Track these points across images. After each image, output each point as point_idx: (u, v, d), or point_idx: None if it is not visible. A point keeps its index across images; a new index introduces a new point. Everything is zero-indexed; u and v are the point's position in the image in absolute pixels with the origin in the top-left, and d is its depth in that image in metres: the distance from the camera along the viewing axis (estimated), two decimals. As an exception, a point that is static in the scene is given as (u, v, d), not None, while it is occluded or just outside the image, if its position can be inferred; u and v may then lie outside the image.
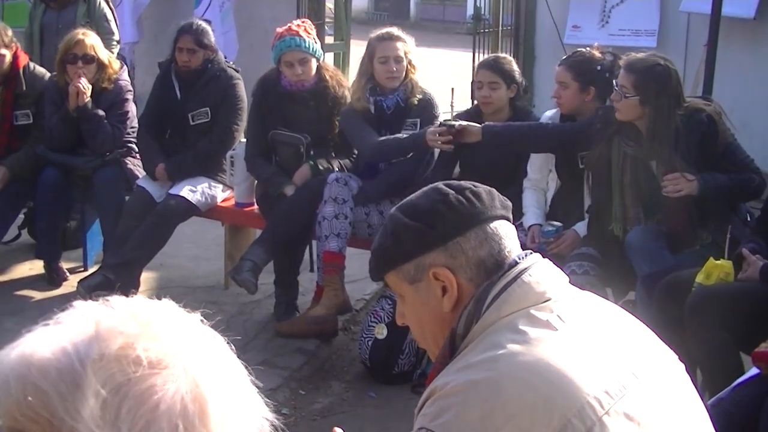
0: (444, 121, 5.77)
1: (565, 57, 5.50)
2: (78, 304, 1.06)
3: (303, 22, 6.32)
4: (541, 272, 1.97)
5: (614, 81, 5.01)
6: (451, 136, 5.53)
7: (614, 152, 5.08)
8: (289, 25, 6.24)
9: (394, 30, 5.94)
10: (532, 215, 5.51)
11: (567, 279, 2.04)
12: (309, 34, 6.10)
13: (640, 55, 5.15)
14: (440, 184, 2.09)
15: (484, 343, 1.88)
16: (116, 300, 1.08)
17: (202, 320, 1.22)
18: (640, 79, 4.90)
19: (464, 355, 1.91)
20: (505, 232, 2.03)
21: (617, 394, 1.78)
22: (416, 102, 5.88)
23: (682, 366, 2.01)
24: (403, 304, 2.10)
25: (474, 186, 2.06)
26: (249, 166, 6.26)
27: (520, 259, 1.99)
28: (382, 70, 5.85)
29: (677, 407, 1.90)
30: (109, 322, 1.01)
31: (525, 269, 1.95)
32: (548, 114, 5.72)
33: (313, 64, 6.11)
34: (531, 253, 2.03)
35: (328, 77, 6.17)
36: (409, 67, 5.88)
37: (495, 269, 1.97)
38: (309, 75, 6.07)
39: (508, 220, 2.07)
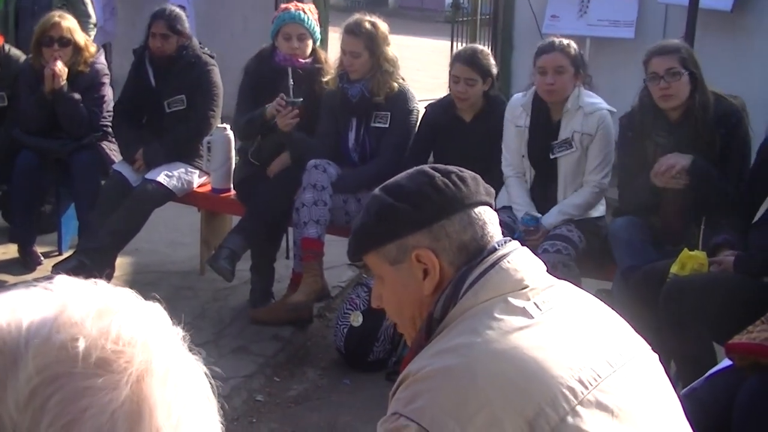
0: (285, 97, 5.86)
1: (545, 44, 5.45)
2: (70, 281, 1.04)
3: (307, 4, 6.36)
4: (519, 259, 1.98)
5: (653, 72, 4.98)
6: (296, 111, 5.79)
7: (647, 143, 5.10)
8: (295, 2, 6.26)
9: (364, 21, 5.85)
10: (525, 208, 5.46)
11: (544, 267, 2.05)
12: (312, 14, 6.17)
13: (660, 42, 5.20)
14: (426, 167, 2.09)
15: (459, 328, 1.88)
16: (99, 290, 1.04)
17: (178, 331, 1.11)
18: (681, 57, 4.95)
19: (439, 339, 1.91)
20: (489, 218, 2.04)
21: (591, 384, 1.79)
22: (387, 96, 5.85)
23: (656, 356, 2.02)
24: (382, 286, 2.10)
25: (459, 171, 2.07)
26: (236, 131, 6.30)
27: (499, 245, 1.99)
28: (343, 60, 5.88)
29: (651, 397, 1.91)
30: (72, 311, 0.96)
31: (503, 256, 1.96)
32: (518, 96, 5.68)
33: (310, 43, 6.12)
34: (510, 240, 2.04)
35: (323, 59, 6.18)
36: (377, 60, 5.82)
37: (476, 254, 1.98)
38: (304, 52, 6.07)
39: (491, 206, 2.07)
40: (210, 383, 1.13)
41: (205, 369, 1.13)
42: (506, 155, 5.59)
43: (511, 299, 1.90)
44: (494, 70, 5.76)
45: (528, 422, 1.73)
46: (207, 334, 5.72)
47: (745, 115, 5.09)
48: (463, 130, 5.73)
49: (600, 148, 5.36)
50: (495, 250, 1.98)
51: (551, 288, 1.98)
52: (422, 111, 5.97)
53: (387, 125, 5.87)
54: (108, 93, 6.72)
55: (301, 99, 5.89)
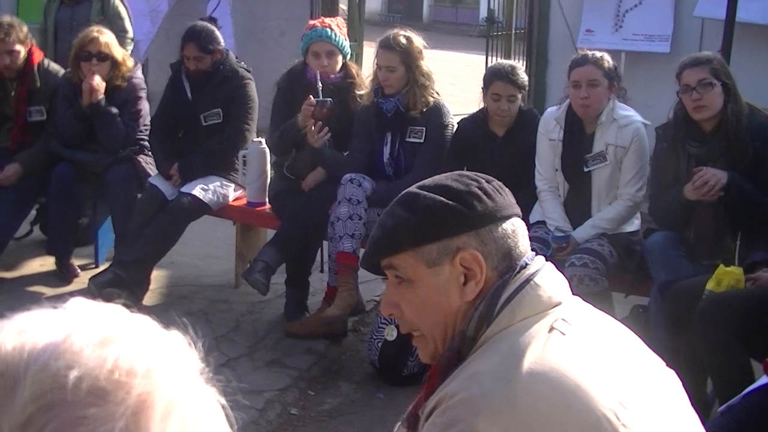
0: (317, 99, 5.88)
1: (578, 57, 5.44)
2: (85, 305, 1.03)
3: (336, 18, 6.37)
4: (549, 276, 1.94)
5: (685, 84, 4.98)
6: (322, 113, 5.80)
7: (680, 154, 5.08)
8: (322, 18, 6.27)
9: (400, 35, 5.85)
10: (559, 223, 5.44)
11: (567, 284, 2.01)
12: (341, 30, 6.17)
13: (692, 55, 5.20)
14: (465, 172, 2.04)
15: (495, 349, 1.83)
16: (112, 315, 1.01)
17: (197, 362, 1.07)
18: (713, 68, 4.94)
19: (474, 360, 1.85)
20: (523, 230, 1.99)
21: (629, 404, 1.75)
22: (422, 110, 5.86)
23: (673, 372, 2.00)
24: (410, 290, 1.97)
25: (496, 180, 2.03)
26: (271, 148, 6.32)
27: (529, 260, 1.95)
28: (379, 76, 5.88)
29: (675, 415, 1.88)
30: (75, 338, 0.94)
31: (535, 272, 1.92)
32: (552, 110, 5.67)
33: (339, 59, 6.13)
34: (536, 254, 2.00)
35: (354, 74, 6.19)
36: (413, 75, 5.83)
37: (512, 266, 1.93)
38: (333, 68, 6.09)
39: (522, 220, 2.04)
40: (228, 415, 1.06)
41: (222, 401, 1.06)
42: (539, 169, 5.58)
43: (545, 318, 1.86)
44: (527, 85, 5.77)
45: None
46: (241, 348, 5.73)
47: None
48: (496, 144, 5.73)
49: (634, 160, 5.34)
50: (526, 265, 1.93)
51: (575, 306, 1.95)
52: (455, 126, 5.97)
53: (422, 140, 5.87)
54: (144, 107, 6.77)
55: (330, 99, 5.91)
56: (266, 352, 5.70)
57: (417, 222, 1.94)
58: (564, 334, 1.83)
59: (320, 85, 5.94)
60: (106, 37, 6.52)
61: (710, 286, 4.51)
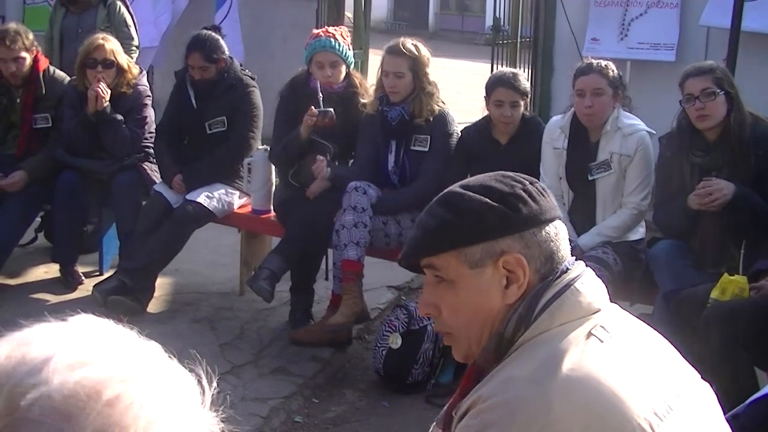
0: (318, 109, 5.90)
1: (583, 66, 5.45)
2: (90, 322, 1.01)
3: (340, 27, 6.36)
4: (589, 282, 1.91)
5: (688, 94, 4.99)
6: (324, 122, 5.84)
7: (684, 163, 5.08)
8: (326, 27, 6.27)
9: (408, 42, 5.86)
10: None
11: (606, 291, 1.98)
12: (344, 39, 6.15)
13: (695, 64, 5.21)
14: (508, 173, 2.03)
15: (532, 353, 1.81)
16: (105, 337, 0.99)
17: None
18: (716, 77, 4.95)
19: (510, 364, 1.83)
20: (564, 234, 1.97)
21: (664, 415, 1.74)
22: (427, 119, 5.86)
23: (708, 385, 1.97)
24: (450, 291, 1.94)
25: (539, 182, 2.00)
26: (273, 160, 6.31)
27: (570, 265, 1.93)
28: (384, 82, 5.87)
29: (709, 428, 1.86)
30: (56, 358, 0.93)
31: (576, 278, 1.89)
32: (557, 118, 5.68)
33: (343, 69, 6.13)
34: (576, 259, 1.98)
35: (357, 83, 6.19)
36: (420, 83, 5.83)
37: (553, 269, 1.91)
38: (337, 78, 6.09)
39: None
40: None
41: (216, 426, 1.03)
42: (544, 178, 5.57)
43: (584, 324, 1.84)
44: (529, 92, 5.78)
45: None
46: (246, 355, 5.73)
47: None
48: (500, 152, 5.73)
49: (639, 169, 5.34)
50: (567, 270, 1.91)
51: (613, 313, 1.93)
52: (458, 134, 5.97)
53: (427, 149, 5.87)
54: (150, 114, 6.78)
55: (332, 109, 5.91)
56: (271, 360, 5.69)
57: (461, 224, 1.91)
58: (602, 341, 1.81)
59: (321, 95, 5.94)
60: (111, 44, 6.54)
61: (715, 294, 4.50)
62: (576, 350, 1.78)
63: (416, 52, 5.81)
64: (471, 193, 1.93)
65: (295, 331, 5.95)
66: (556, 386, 1.72)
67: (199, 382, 1.06)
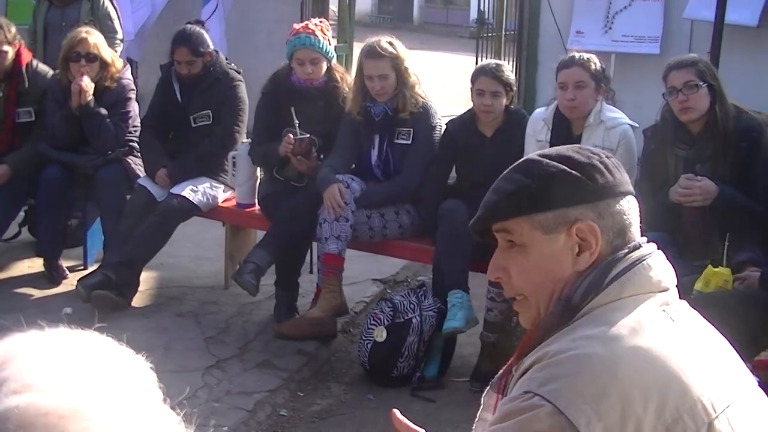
0: (293, 134, 5.91)
1: (565, 59, 5.47)
2: (62, 335, 0.96)
3: (321, 22, 6.35)
4: (660, 262, 1.93)
5: (671, 86, 5.01)
6: (302, 149, 5.87)
7: (668, 155, 5.09)
8: (306, 23, 6.26)
9: (383, 42, 5.83)
10: None
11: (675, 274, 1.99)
12: (325, 35, 6.13)
13: (678, 57, 5.23)
14: (585, 146, 2.03)
15: (604, 318, 1.82)
16: (56, 347, 0.94)
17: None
18: (699, 70, 4.97)
19: (580, 325, 1.83)
20: (636, 210, 1.97)
21: (725, 402, 1.75)
22: (410, 112, 5.85)
23: (762, 392, 1.96)
24: (522, 254, 1.96)
25: (614, 157, 2.01)
26: (252, 157, 6.29)
27: (643, 243, 1.95)
28: (369, 85, 5.86)
29: (764, 423, 1.86)
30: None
31: (648, 254, 1.91)
32: (540, 111, 5.69)
33: (324, 65, 6.11)
34: (647, 239, 1.98)
35: (338, 78, 6.18)
36: (402, 78, 5.82)
37: (625, 243, 1.92)
38: (318, 75, 6.08)
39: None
40: None
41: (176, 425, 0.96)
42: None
43: (653, 299, 1.86)
44: (514, 84, 5.78)
45: (666, 427, 1.69)
46: (231, 349, 5.73)
47: None
48: (485, 145, 5.73)
49: (622, 162, 5.34)
50: (639, 246, 1.92)
51: (678, 298, 1.95)
52: (444, 126, 5.97)
53: (410, 141, 5.88)
54: (134, 108, 6.76)
55: (309, 135, 5.92)
56: (256, 354, 5.69)
57: (538, 188, 1.93)
58: (673, 320, 1.84)
59: (297, 122, 5.93)
60: (94, 37, 6.52)
61: (698, 286, 4.52)
62: (647, 321, 1.80)
63: (394, 51, 5.81)
64: (548, 160, 1.95)
65: (280, 325, 5.94)
66: (625, 350, 1.74)
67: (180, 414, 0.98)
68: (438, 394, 5.45)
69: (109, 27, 7.81)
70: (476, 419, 2.10)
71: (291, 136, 5.90)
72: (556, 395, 1.70)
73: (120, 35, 8.07)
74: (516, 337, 5.37)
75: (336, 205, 5.66)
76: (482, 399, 2.09)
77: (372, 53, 5.80)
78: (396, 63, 5.79)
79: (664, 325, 1.82)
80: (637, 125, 5.44)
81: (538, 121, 5.57)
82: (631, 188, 1.97)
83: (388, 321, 5.52)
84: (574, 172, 1.91)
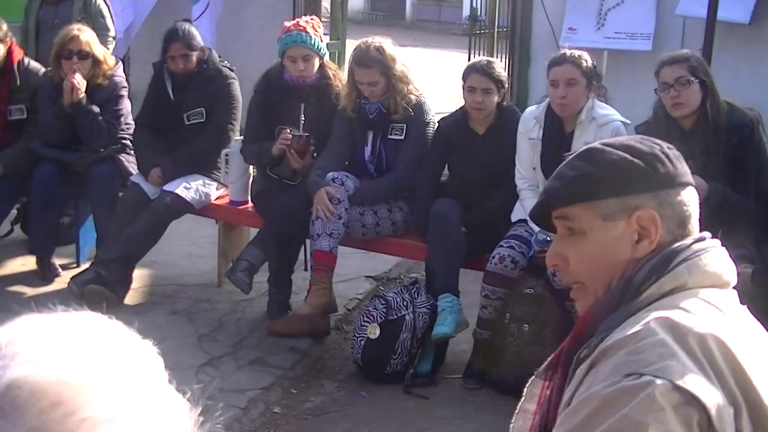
0: (292, 131, 5.93)
1: (557, 56, 5.47)
2: (63, 318, 0.98)
3: (312, 19, 6.35)
4: (723, 256, 1.93)
5: (663, 82, 5.04)
6: (299, 145, 5.88)
7: None
8: (297, 20, 6.26)
9: (371, 50, 5.81)
10: None
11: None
12: (316, 32, 6.13)
13: (670, 53, 5.25)
14: (647, 137, 2.03)
15: (676, 304, 1.80)
16: (61, 329, 0.96)
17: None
18: (691, 66, 4.99)
19: (653, 308, 1.80)
20: (696, 202, 1.97)
21: None
22: (404, 107, 5.85)
23: None
24: (581, 241, 1.97)
25: (675, 148, 2.01)
26: (245, 156, 6.28)
27: (706, 236, 1.95)
28: (360, 88, 5.88)
29: None
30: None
31: (712, 247, 1.91)
32: (532, 109, 5.69)
33: (316, 61, 6.11)
34: (708, 233, 1.98)
35: (331, 75, 6.18)
36: (392, 81, 5.82)
37: (686, 233, 1.92)
38: (310, 72, 6.08)
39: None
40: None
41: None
42: (519, 168, 5.60)
43: (717, 293, 1.86)
44: (506, 82, 5.78)
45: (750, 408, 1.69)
46: (225, 347, 5.73)
47: (761, 126, 5.10)
48: (477, 142, 5.73)
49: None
50: (703, 238, 1.93)
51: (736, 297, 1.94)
52: (436, 124, 5.97)
53: (403, 137, 5.88)
54: (126, 106, 6.75)
55: (307, 134, 5.93)
56: (249, 351, 5.69)
57: (600, 175, 1.94)
58: (733, 315, 1.83)
59: (303, 118, 5.94)
60: (86, 35, 6.50)
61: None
62: (716, 313, 1.79)
63: (382, 57, 5.79)
64: (612, 149, 1.96)
65: (273, 323, 5.94)
66: (710, 325, 1.73)
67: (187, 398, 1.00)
68: (431, 390, 5.45)
69: (101, 24, 7.80)
70: (517, 411, 2.06)
71: (288, 131, 5.90)
72: (669, 372, 1.66)
73: (112, 33, 8.06)
74: (509, 334, 5.38)
75: (325, 209, 5.67)
76: (525, 389, 2.05)
77: (360, 62, 5.81)
78: (384, 69, 5.79)
79: (730, 320, 1.80)
80: (629, 122, 5.44)
81: (530, 119, 5.57)
82: (691, 179, 1.97)
83: (381, 318, 5.53)
84: (636, 160, 1.91)
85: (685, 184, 1.94)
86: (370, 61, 5.77)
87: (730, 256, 1.96)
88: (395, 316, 5.54)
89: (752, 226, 4.92)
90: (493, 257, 5.35)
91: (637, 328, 1.75)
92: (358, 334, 5.58)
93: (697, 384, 1.65)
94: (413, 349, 5.55)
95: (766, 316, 4.08)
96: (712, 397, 1.65)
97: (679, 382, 1.64)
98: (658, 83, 5.07)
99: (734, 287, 1.93)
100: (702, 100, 5.00)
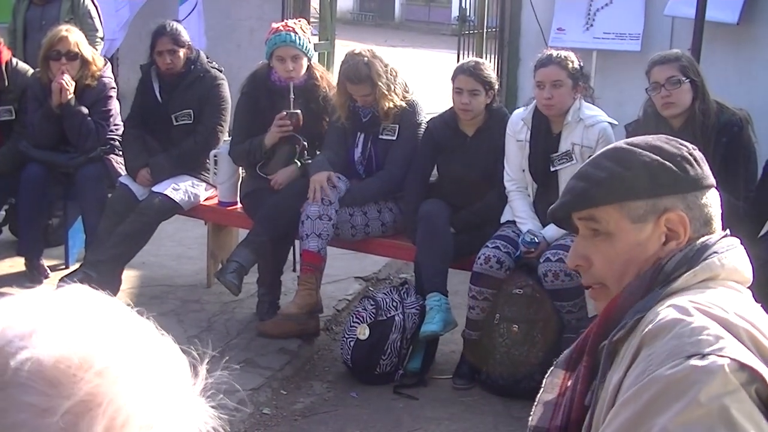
0: (287, 111, 5.96)
1: (543, 58, 5.47)
2: (75, 290, 0.99)
3: (299, 20, 6.35)
4: (745, 256, 1.93)
5: (654, 82, 5.04)
6: (290, 123, 5.94)
7: None
8: (285, 21, 6.26)
9: (360, 65, 5.78)
10: (530, 224, 5.44)
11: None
12: (304, 32, 6.13)
13: (661, 52, 5.25)
14: (671, 137, 2.03)
15: (708, 291, 1.79)
16: (93, 307, 0.98)
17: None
18: (682, 65, 5.01)
19: (686, 293, 1.79)
20: (718, 203, 1.98)
21: None
22: (394, 113, 5.86)
23: None
24: (606, 243, 1.95)
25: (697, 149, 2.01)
26: (233, 157, 6.27)
27: (729, 235, 1.95)
28: (354, 97, 5.88)
29: None
30: (38, 324, 0.90)
31: (736, 245, 1.92)
32: (520, 111, 5.69)
33: (305, 62, 6.11)
34: (729, 233, 1.98)
35: (318, 76, 6.18)
36: (385, 91, 5.80)
37: (712, 232, 1.93)
38: (299, 72, 6.08)
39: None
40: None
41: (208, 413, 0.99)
42: (508, 170, 5.60)
43: (743, 290, 1.86)
44: (495, 83, 5.76)
45: None
46: (213, 347, 5.70)
47: (750, 126, 5.12)
48: (466, 144, 5.73)
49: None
50: (728, 236, 1.94)
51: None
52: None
53: (395, 137, 5.88)
54: (115, 106, 6.74)
55: (299, 111, 5.95)
56: (239, 352, 5.68)
57: (631, 177, 1.92)
58: (760, 311, 1.81)
59: (292, 96, 5.95)
60: (75, 36, 6.49)
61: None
62: (746, 307, 1.77)
63: (370, 72, 5.77)
64: (638, 150, 1.95)
65: (262, 324, 5.94)
66: (747, 322, 1.71)
67: (193, 366, 1.05)
68: (421, 391, 5.45)
69: (89, 25, 7.79)
70: (535, 403, 2.04)
71: (283, 113, 5.93)
72: (731, 351, 1.62)
73: (100, 33, 8.04)
74: (499, 335, 5.38)
75: (320, 190, 5.67)
76: (545, 381, 2.04)
77: (350, 79, 5.81)
78: (374, 81, 5.78)
79: (758, 311, 1.79)
80: (617, 123, 5.45)
81: (518, 121, 5.58)
82: (713, 181, 1.97)
83: (370, 319, 5.53)
84: (667, 162, 1.91)
85: (710, 186, 1.95)
86: (360, 77, 5.77)
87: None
88: (385, 317, 5.53)
89: (741, 226, 4.93)
90: (479, 258, 5.36)
91: (680, 312, 1.72)
92: (348, 334, 5.58)
93: (756, 362, 1.62)
94: (403, 350, 5.55)
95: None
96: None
97: (745, 361, 1.61)
98: (649, 82, 5.09)
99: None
100: (692, 100, 5.01)
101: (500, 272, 5.33)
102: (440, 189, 5.84)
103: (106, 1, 9.16)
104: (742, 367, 1.60)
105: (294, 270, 6.49)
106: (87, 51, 6.56)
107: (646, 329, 1.73)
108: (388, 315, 5.54)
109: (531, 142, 5.48)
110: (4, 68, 6.60)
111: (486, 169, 5.67)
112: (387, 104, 5.79)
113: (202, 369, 1.01)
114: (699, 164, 1.94)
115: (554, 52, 5.47)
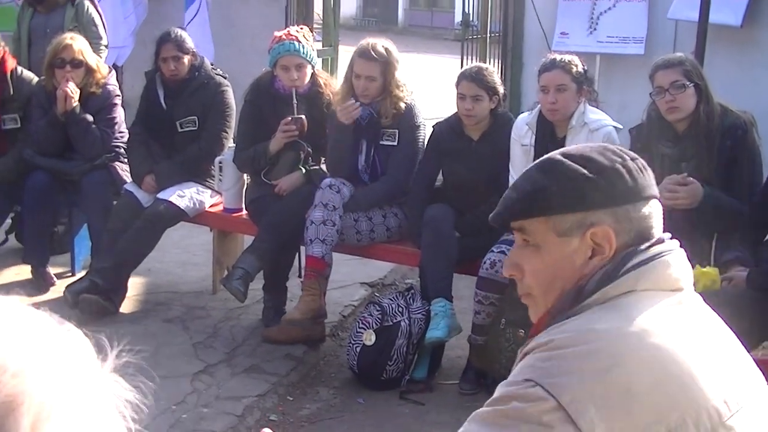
0: (292, 117, 5.98)
1: (547, 62, 5.47)
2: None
3: (302, 28, 6.36)
4: (679, 260, 1.90)
5: (658, 86, 5.03)
6: (295, 128, 5.95)
7: (654, 154, 5.10)
8: (288, 29, 6.27)
9: (378, 45, 5.85)
10: None
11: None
12: (307, 40, 6.14)
13: (664, 56, 5.23)
14: (610, 146, 1.99)
15: (615, 311, 1.79)
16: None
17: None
18: (686, 69, 4.99)
19: (590, 314, 1.81)
20: (659, 214, 1.94)
21: (734, 407, 1.72)
22: (394, 113, 5.87)
23: None
24: (535, 255, 1.94)
25: (640, 159, 1.98)
26: (238, 164, 6.27)
27: (666, 238, 1.92)
28: (355, 84, 5.86)
29: None
30: None
31: (669, 251, 1.88)
32: (524, 116, 5.69)
33: (309, 70, 6.12)
34: (671, 237, 1.95)
35: (322, 83, 6.19)
36: (389, 86, 5.83)
37: (645, 240, 1.88)
38: (303, 80, 6.09)
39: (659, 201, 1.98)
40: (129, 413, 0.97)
41: (130, 398, 0.97)
42: (513, 175, 5.59)
43: (670, 297, 1.84)
44: (500, 88, 5.75)
45: (669, 430, 1.67)
46: (220, 354, 5.72)
47: (755, 129, 5.10)
48: (471, 148, 5.73)
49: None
50: (662, 241, 1.90)
51: (694, 298, 1.91)
52: (430, 129, 5.97)
53: (395, 143, 5.89)
54: (119, 114, 6.75)
55: (303, 116, 5.98)
56: (244, 358, 5.68)
57: (556, 190, 1.90)
58: (686, 320, 1.81)
59: (296, 101, 5.96)
60: (79, 43, 6.50)
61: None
62: (660, 320, 1.77)
63: (387, 57, 5.81)
64: (570, 162, 1.91)
65: (268, 330, 5.94)
66: (634, 349, 1.72)
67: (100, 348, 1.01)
68: (427, 397, 5.45)
69: (93, 33, 7.79)
70: None
71: (288, 118, 5.95)
72: (560, 390, 1.67)
73: (105, 41, 8.05)
74: (505, 339, 5.38)
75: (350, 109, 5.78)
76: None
77: (364, 54, 5.81)
78: (386, 69, 5.80)
79: (676, 324, 1.79)
80: (621, 126, 5.45)
81: (522, 126, 5.57)
82: (655, 191, 1.94)
83: (376, 324, 5.52)
84: (593, 176, 1.88)
85: (648, 198, 1.92)
86: (376, 54, 5.78)
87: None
88: (391, 323, 5.53)
89: (746, 229, 4.93)
90: (485, 263, 5.35)
91: (561, 334, 1.77)
92: (354, 340, 5.58)
93: (583, 411, 1.66)
94: (409, 356, 5.55)
95: (762, 319, 4.09)
96: (595, 427, 1.66)
97: (565, 404, 1.67)
98: (653, 87, 5.07)
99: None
100: (696, 104, 5.00)
101: (506, 277, 5.32)
102: (445, 193, 5.84)
103: (115, 8, 9.19)
104: (560, 408, 1.67)
105: (299, 276, 6.49)
106: (91, 59, 6.58)
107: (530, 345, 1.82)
108: (394, 320, 5.54)
109: (536, 147, 5.47)
110: (9, 77, 6.62)
111: (491, 174, 5.66)
112: (389, 99, 5.79)
113: (111, 351, 1.00)
114: (633, 176, 1.90)
115: (558, 57, 5.46)
